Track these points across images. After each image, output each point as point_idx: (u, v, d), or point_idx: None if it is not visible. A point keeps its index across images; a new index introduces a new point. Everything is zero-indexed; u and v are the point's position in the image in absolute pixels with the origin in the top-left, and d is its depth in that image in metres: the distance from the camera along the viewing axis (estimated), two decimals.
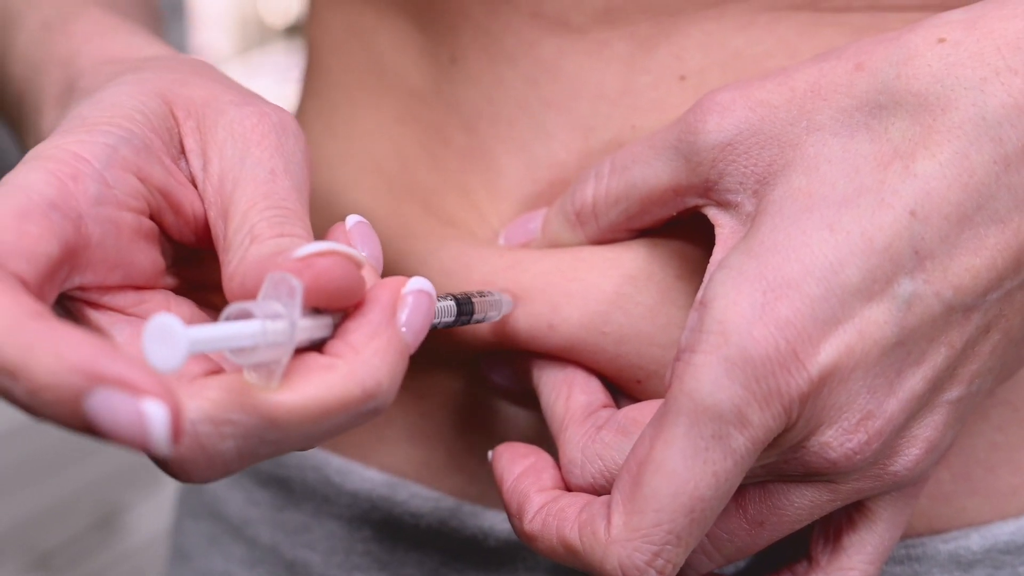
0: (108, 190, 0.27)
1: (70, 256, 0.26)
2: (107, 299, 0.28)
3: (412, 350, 0.28)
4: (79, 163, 0.27)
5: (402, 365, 0.27)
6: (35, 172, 0.26)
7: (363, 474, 0.39)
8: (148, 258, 0.29)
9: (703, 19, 0.34)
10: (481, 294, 0.33)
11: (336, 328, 0.27)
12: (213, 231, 0.29)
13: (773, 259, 0.27)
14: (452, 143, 0.38)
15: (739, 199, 0.30)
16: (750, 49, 0.34)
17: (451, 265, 0.36)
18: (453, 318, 0.31)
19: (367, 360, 0.26)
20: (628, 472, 0.27)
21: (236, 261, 0.27)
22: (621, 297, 0.33)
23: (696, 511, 0.26)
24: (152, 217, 0.29)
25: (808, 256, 0.27)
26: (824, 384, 0.27)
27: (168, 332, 0.22)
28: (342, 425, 0.26)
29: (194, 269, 0.32)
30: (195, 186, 0.30)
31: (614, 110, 0.35)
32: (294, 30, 2.38)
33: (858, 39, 0.32)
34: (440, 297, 0.31)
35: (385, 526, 0.39)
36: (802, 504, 0.29)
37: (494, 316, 0.33)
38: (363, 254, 0.30)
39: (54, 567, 1.31)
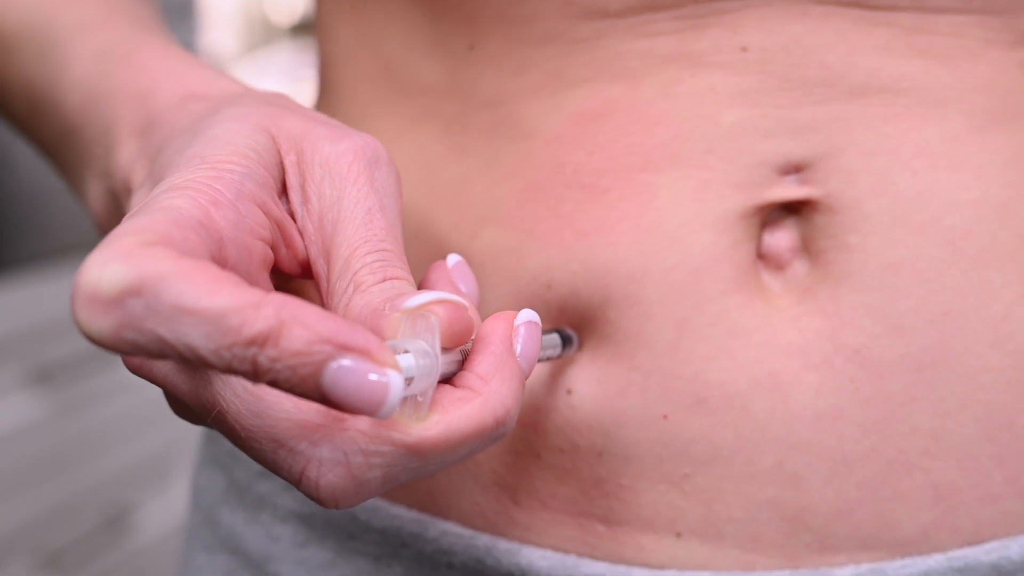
0: (242, 219, 0.28)
1: None
2: None
3: (527, 377, 0.29)
4: (215, 193, 0.27)
5: (522, 392, 0.28)
6: (179, 198, 0.26)
7: (390, 511, 0.38)
8: (266, 287, 0.29)
9: (755, 4, 0.34)
10: (559, 331, 0.34)
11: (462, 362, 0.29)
12: (314, 268, 0.30)
13: None
14: (474, 126, 0.37)
15: None
16: (809, 38, 0.34)
17: (492, 275, 0.36)
18: (555, 351, 0.33)
19: (496, 390, 0.27)
20: None
21: (341, 310, 0.28)
22: None
23: None
24: (271, 249, 0.30)
25: None
26: None
27: None
28: (474, 451, 0.27)
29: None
30: (294, 220, 0.30)
31: (667, 65, 0.34)
32: (300, 29, 2.38)
33: (910, 40, 0.32)
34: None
35: (416, 564, 0.38)
36: None
37: (569, 352, 0.34)
38: (462, 289, 0.33)
39: (63, 566, 1.32)
